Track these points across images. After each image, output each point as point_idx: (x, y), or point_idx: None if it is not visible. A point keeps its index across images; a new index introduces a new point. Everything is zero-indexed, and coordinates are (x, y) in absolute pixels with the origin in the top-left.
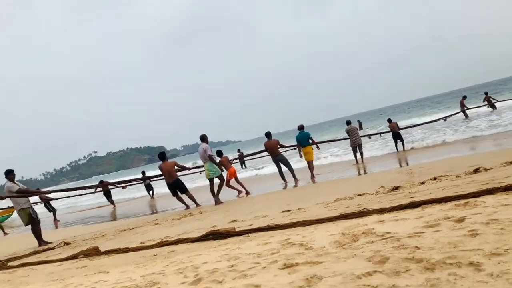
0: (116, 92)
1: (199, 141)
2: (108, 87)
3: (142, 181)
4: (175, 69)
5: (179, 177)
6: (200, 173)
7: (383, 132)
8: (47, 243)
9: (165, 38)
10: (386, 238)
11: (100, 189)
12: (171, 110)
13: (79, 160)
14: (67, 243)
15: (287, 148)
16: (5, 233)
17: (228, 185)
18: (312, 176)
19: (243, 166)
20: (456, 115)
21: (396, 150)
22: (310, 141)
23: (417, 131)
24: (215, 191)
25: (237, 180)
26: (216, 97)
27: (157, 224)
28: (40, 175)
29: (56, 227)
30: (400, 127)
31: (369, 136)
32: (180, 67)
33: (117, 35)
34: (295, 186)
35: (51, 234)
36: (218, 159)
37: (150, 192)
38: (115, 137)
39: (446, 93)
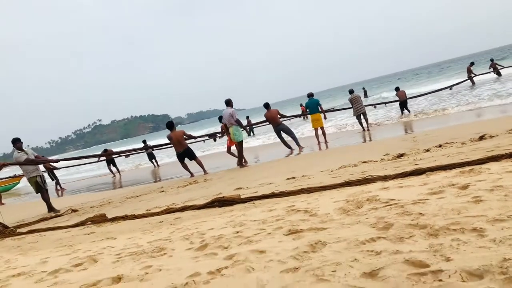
0: (121, 59)
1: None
2: (111, 54)
3: (144, 150)
4: (182, 37)
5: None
6: (204, 142)
7: (388, 102)
8: (56, 211)
9: (170, 6)
10: (390, 205)
11: (103, 158)
12: (176, 78)
13: (84, 128)
14: (75, 210)
15: (288, 118)
16: (1, 203)
17: (228, 152)
18: (326, 141)
19: (251, 134)
20: (463, 82)
21: (401, 115)
22: (319, 109)
23: (422, 100)
24: (237, 155)
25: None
26: (221, 66)
27: (162, 191)
28: (46, 143)
29: (61, 195)
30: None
31: (374, 105)
32: (186, 36)
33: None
34: (299, 153)
35: (58, 202)
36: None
37: (153, 161)
38: (119, 105)
39: (453, 59)
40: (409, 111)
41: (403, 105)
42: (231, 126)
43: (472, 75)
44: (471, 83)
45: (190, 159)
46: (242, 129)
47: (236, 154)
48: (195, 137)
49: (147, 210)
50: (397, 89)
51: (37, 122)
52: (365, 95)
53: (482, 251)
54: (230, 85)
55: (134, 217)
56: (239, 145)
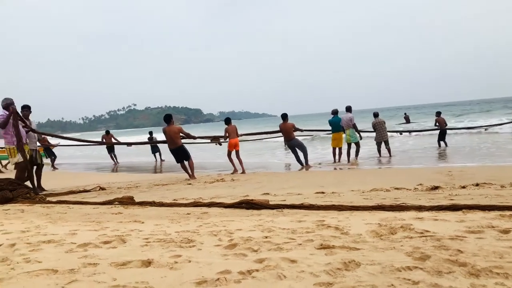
0: (162, 50)
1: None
2: (154, 44)
3: (148, 143)
4: (221, 35)
5: (183, 144)
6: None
7: (413, 131)
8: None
9: (212, 3)
10: (426, 236)
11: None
12: (213, 75)
13: (118, 110)
14: (102, 188)
15: (303, 132)
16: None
17: (229, 157)
18: (339, 161)
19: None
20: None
21: (439, 147)
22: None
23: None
24: (351, 154)
25: (237, 155)
26: (259, 70)
27: (189, 184)
28: (79, 119)
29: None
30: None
31: (400, 132)
32: (226, 34)
33: None
34: (301, 169)
35: (85, 177)
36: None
37: (157, 155)
38: (155, 93)
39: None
40: (446, 144)
41: (442, 134)
42: (348, 128)
43: None
44: None
45: (186, 160)
46: (357, 132)
47: (234, 161)
48: (194, 137)
49: (174, 199)
50: (438, 114)
51: (72, 98)
52: (408, 121)
53: None
54: (264, 91)
55: (161, 204)
56: (356, 145)
